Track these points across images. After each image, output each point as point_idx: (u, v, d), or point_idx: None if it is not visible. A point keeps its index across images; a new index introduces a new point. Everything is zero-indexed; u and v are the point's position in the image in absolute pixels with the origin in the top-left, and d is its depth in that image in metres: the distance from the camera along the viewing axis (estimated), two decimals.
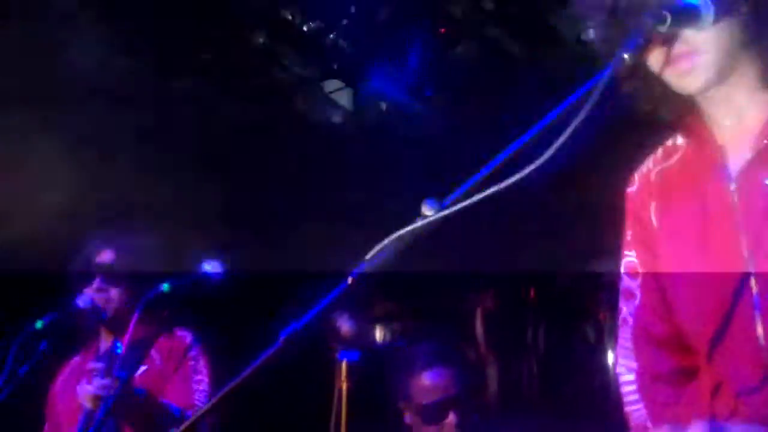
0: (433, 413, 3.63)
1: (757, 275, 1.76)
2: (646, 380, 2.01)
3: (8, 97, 5.03)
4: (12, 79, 5.03)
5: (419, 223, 1.72)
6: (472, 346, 7.30)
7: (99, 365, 3.37)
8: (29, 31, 5.01)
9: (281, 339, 1.62)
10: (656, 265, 1.98)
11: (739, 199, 1.81)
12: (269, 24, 5.57)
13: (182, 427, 1.61)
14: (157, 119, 5.73)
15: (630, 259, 2.04)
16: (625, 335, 2.05)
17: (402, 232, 1.72)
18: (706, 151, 1.90)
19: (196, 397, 3.59)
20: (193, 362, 3.65)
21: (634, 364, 2.03)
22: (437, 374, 3.72)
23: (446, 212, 1.73)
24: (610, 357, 6.92)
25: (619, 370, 2.06)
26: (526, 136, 1.80)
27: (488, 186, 1.77)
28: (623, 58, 1.72)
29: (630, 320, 2.03)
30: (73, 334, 3.60)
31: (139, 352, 3.41)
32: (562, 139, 1.72)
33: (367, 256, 1.72)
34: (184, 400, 3.58)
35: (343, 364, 1.63)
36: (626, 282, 2.04)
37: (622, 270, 2.06)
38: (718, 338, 1.83)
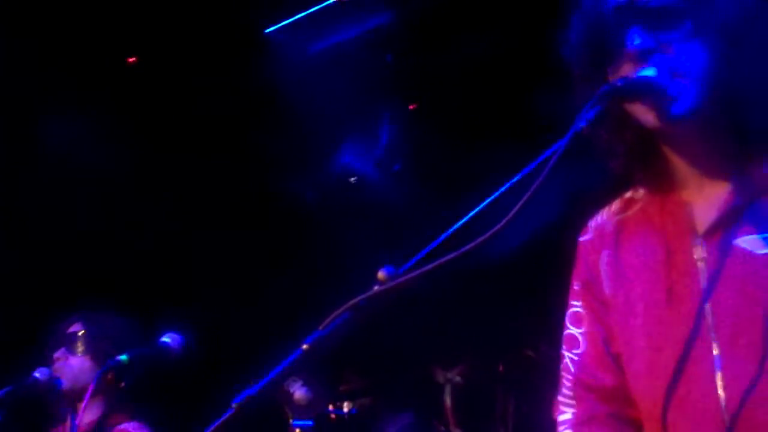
0: None
1: (720, 336, 1.73)
2: (583, 419, 1.97)
3: None
4: None
5: (374, 291, 1.71)
6: (442, 421, 7.22)
7: None
8: None
9: (233, 406, 1.59)
10: (605, 317, 1.95)
11: (706, 259, 1.78)
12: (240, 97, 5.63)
13: None
14: (130, 191, 5.74)
15: (576, 309, 2.01)
16: (566, 383, 2.02)
17: (356, 300, 1.71)
18: (671, 207, 1.87)
19: None
20: None
21: (571, 411, 1.99)
22: None
23: (401, 279, 1.72)
24: None
25: (558, 417, 2.02)
26: (484, 204, 1.81)
27: (445, 254, 1.78)
28: (580, 128, 1.74)
29: (572, 368, 2.00)
30: (33, 407, 3.55)
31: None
32: (516, 208, 1.72)
33: (322, 325, 1.71)
34: None
35: None
36: (570, 330, 2.01)
37: (567, 320, 2.03)
38: (673, 399, 1.79)
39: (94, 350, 3.56)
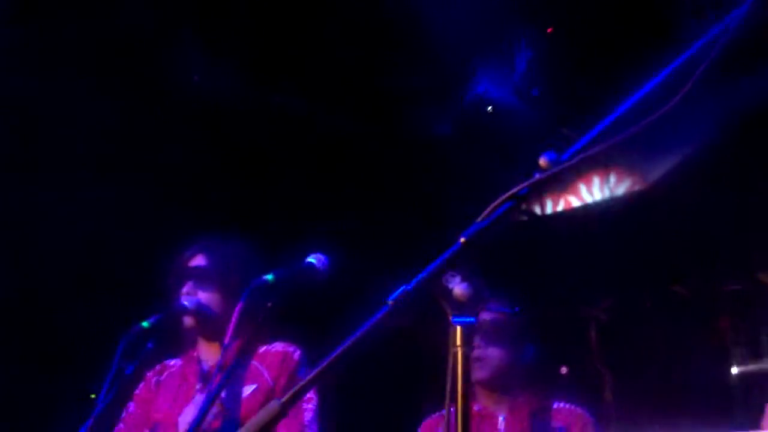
0: None
1: None
2: None
3: None
4: None
5: (535, 178, 1.61)
6: (589, 358, 7.06)
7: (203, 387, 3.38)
8: None
9: (389, 302, 1.52)
10: None
11: None
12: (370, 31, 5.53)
13: (290, 393, 1.53)
14: (259, 128, 5.76)
15: None
16: None
17: (517, 188, 1.61)
18: None
19: (306, 417, 3.45)
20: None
21: None
22: None
23: (564, 166, 1.60)
24: (733, 368, 6.60)
25: None
26: (648, 87, 1.68)
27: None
28: None
29: None
30: (177, 335, 3.55)
31: (242, 361, 3.30)
32: (690, 83, 1.59)
33: (480, 217, 1.61)
34: (295, 426, 3.43)
35: (458, 329, 1.51)
36: None
37: None
38: None
39: (220, 282, 3.48)
